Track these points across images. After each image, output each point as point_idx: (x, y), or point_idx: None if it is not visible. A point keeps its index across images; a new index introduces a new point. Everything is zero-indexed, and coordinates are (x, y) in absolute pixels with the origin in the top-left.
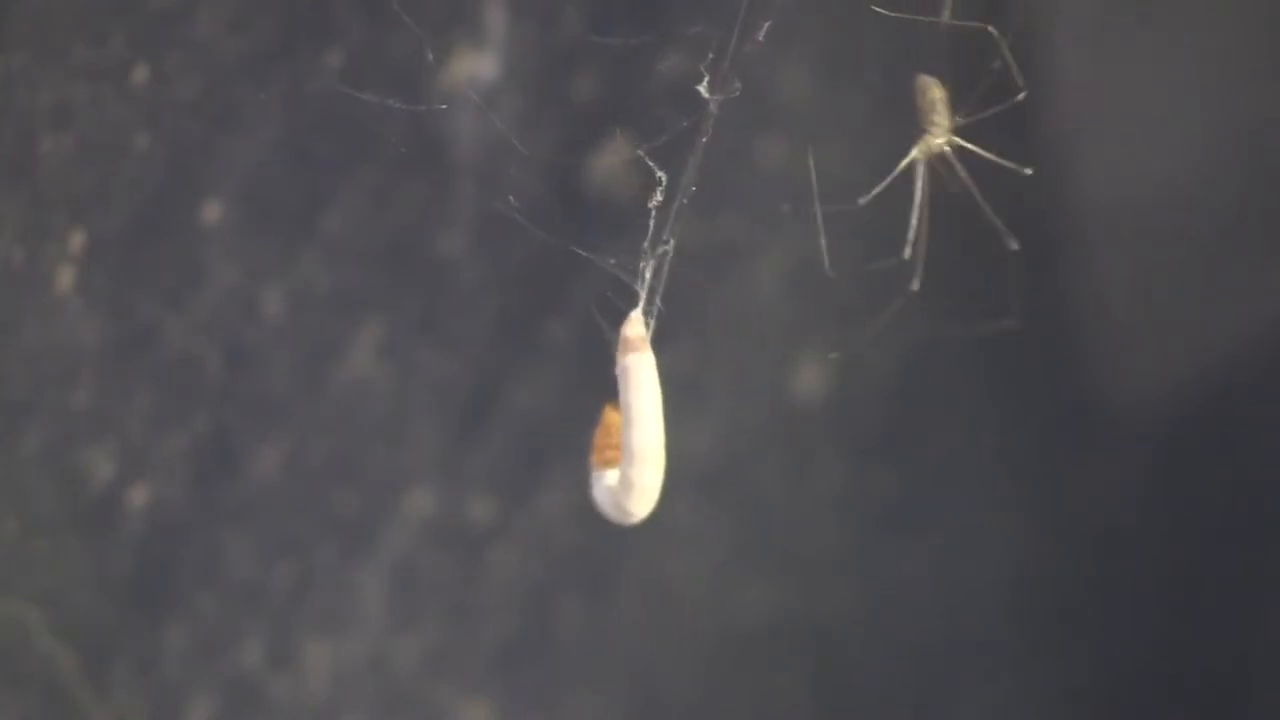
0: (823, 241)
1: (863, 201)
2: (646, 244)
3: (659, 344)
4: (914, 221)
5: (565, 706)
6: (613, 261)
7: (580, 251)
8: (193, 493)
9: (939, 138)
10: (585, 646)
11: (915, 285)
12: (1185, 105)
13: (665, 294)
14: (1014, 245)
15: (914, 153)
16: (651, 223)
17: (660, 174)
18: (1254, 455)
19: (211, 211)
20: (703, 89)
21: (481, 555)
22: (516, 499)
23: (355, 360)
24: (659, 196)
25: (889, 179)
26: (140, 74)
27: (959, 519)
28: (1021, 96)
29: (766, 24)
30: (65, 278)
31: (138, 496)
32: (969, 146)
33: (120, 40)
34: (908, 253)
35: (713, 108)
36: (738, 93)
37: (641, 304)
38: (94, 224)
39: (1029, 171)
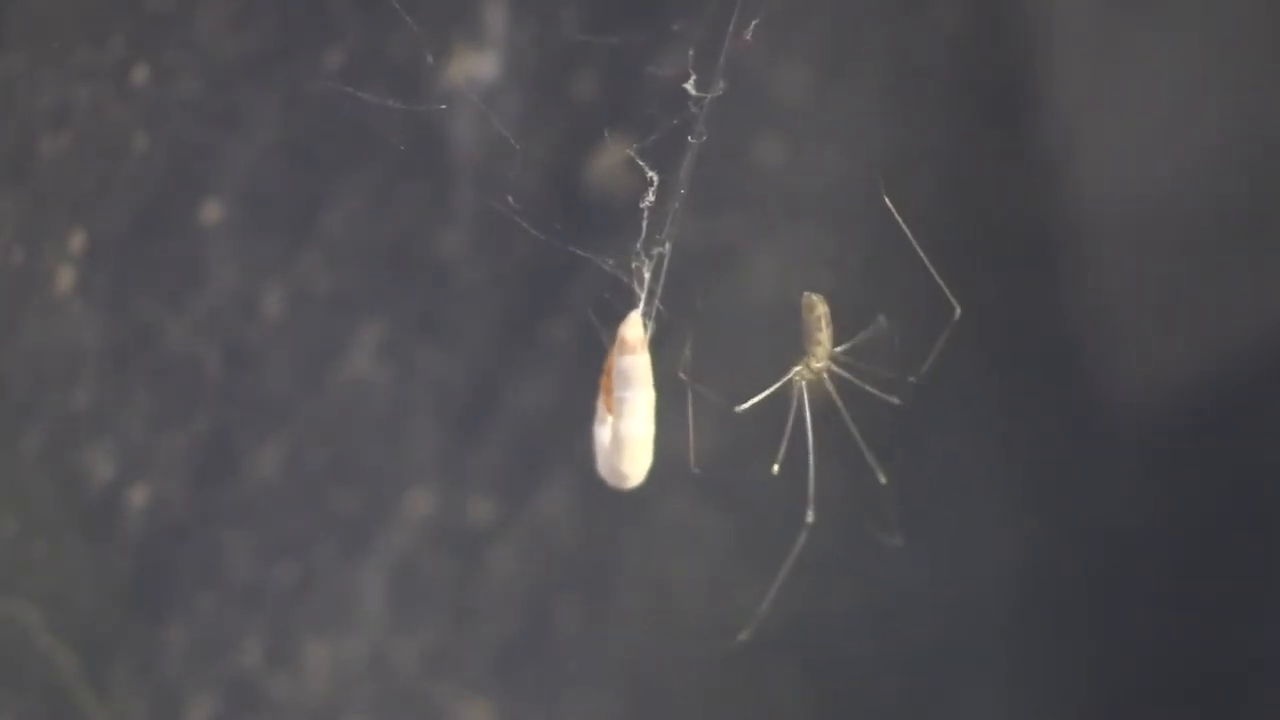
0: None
1: (740, 409)
2: (640, 245)
3: (659, 343)
4: (785, 442)
5: (565, 706)
6: (610, 262)
7: (579, 252)
8: (193, 493)
9: (819, 360)
10: (585, 646)
11: (809, 519)
12: (1185, 105)
13: (662, 294)
14: (882, 479)
15: (793, 373)
16: (644, 223)
17: (651, 174)
18: (1254, 455)
19: (211, 211)
20: (690, 87)
21: (481, 555)
22: (516, 499)
23: (355, 360)
24: (651, 196)
25: (769, 391)
26: (140, 74)
27: (959, 519)
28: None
29: (754, 22)
30: (65, 278)
31: (138, 496)
32: (844, 374)
33: (120, 40)
34: (775, 469)
35: (692, 106)
36: (721, 91)
37: (641, 305)
38: (94, 224)
39: (897, 402)
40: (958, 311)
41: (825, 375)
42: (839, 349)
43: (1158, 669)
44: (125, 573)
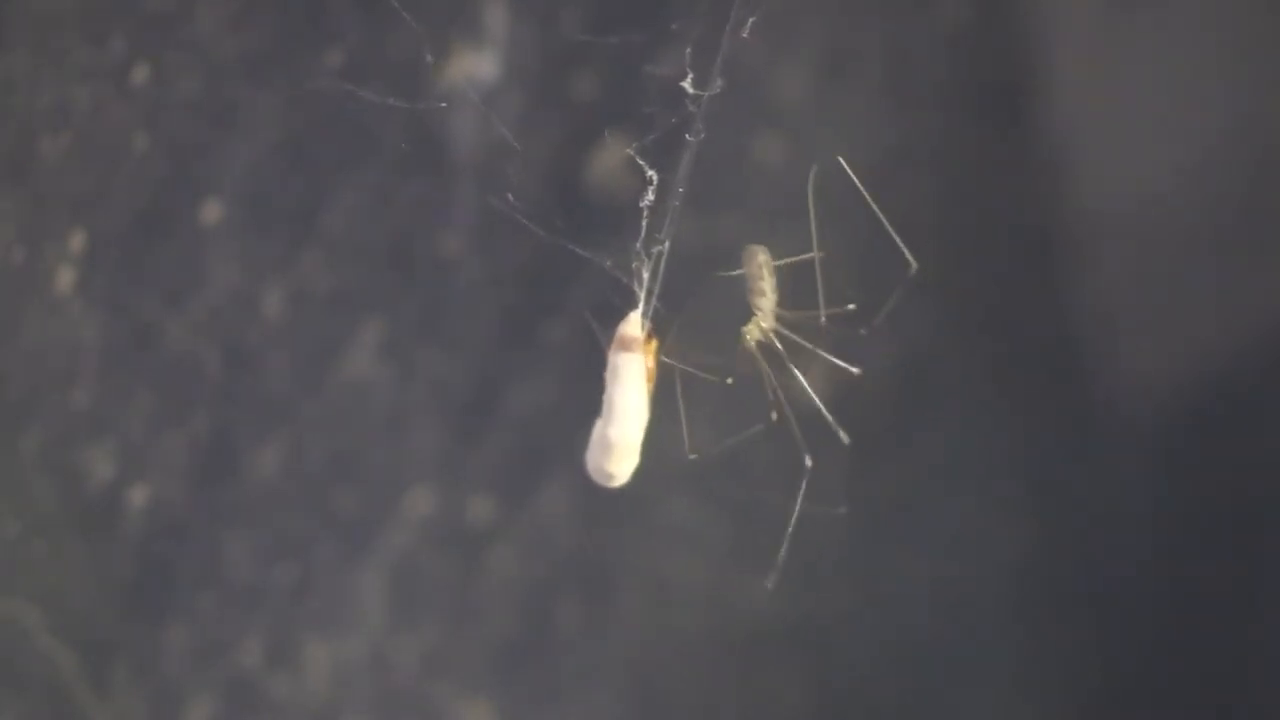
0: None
1: (728, 381)
2: (639, 244)
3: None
4: (770, 397)
5: (565, 706)
6: (609, 263)
7: (579, 251)
8: (193, 493)
9: (766, 321)
10: (585, 646)
11: (808, 464)
12: (1185, 105)
13: (661, 292)
14: (845, 439)
15: (744, 336)
16: (644, 222)
17: (651, 173)
18: (1254, 455)
19: (211, 211)
20: (687, 85)
21: (481, 555)
22: (516, 499)
23: (355, 360)
24: (650, 195)
25: (735, 361)
26: (140, 74)
27: (959, 519)
28: (851, 307)
29: (750, 20)
30: (65, 278)
31: (138, 496)
32: (793, 337)
33: (120, 40)
34: (774, 417)
35: (689, 105)
36: (719, 89)
37: (641, 305)
38: (94, 224)
39: (856, 371)
40: (913, 267)
41: (773, 336)
42: (794, 315)
43: (1157, 668)
44: (125, 573)
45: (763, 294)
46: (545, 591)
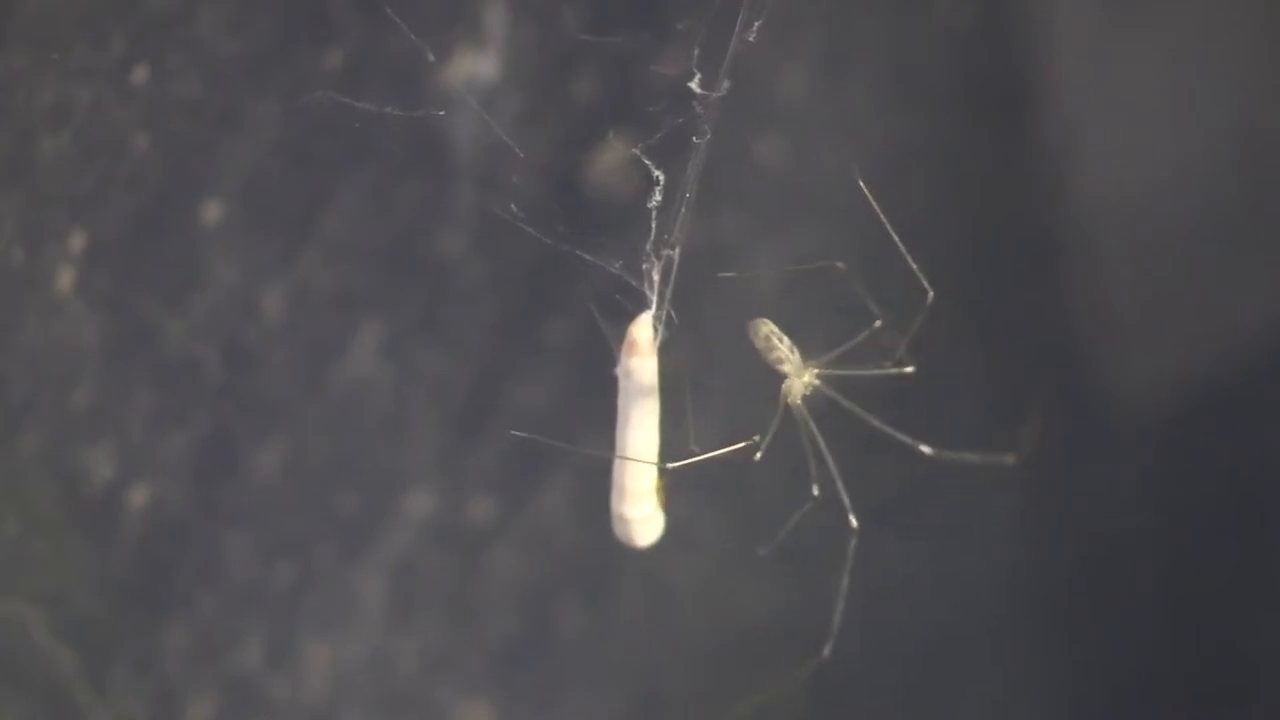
0: None
1: (758, 451)
2: (649, 245)
3: (667, 348)
4: (812, 464)
5: (565, 706)
6: (619, 264)
7: (585, 256)
8: (193, 493)
9: (800, 376)
10: (585, 646)
11: (854, 523)
12: (1184, 105)
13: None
14: (925, 450)
15: (783, 397)
16: (653, 223)
17: (658, 173)
18: (1253, 455)
19: (211, 211)
20: (694, 85)
21: (481, 555)
22: (516, 499)
23: (355, 360)
24: (658, 196)
25: (772, 431)
26: (140, 74)
27: (959, 519)
28: (878, 324)
29: (757, 23)
30: (65, 278)
31: (138, 496)
32: (836, 373)
33: (120, 40)
34: (815, 490)
35: (697, 106)
36: (725, 90)
37: (653, 308)
38: (94, 224)
39: (910, 370)
40: (930, 295)
41: (817, 382)
42: (826, 358)
43: (1157, 668)
44: (125, 573)
45: (782, 360)
46: (545, 591)
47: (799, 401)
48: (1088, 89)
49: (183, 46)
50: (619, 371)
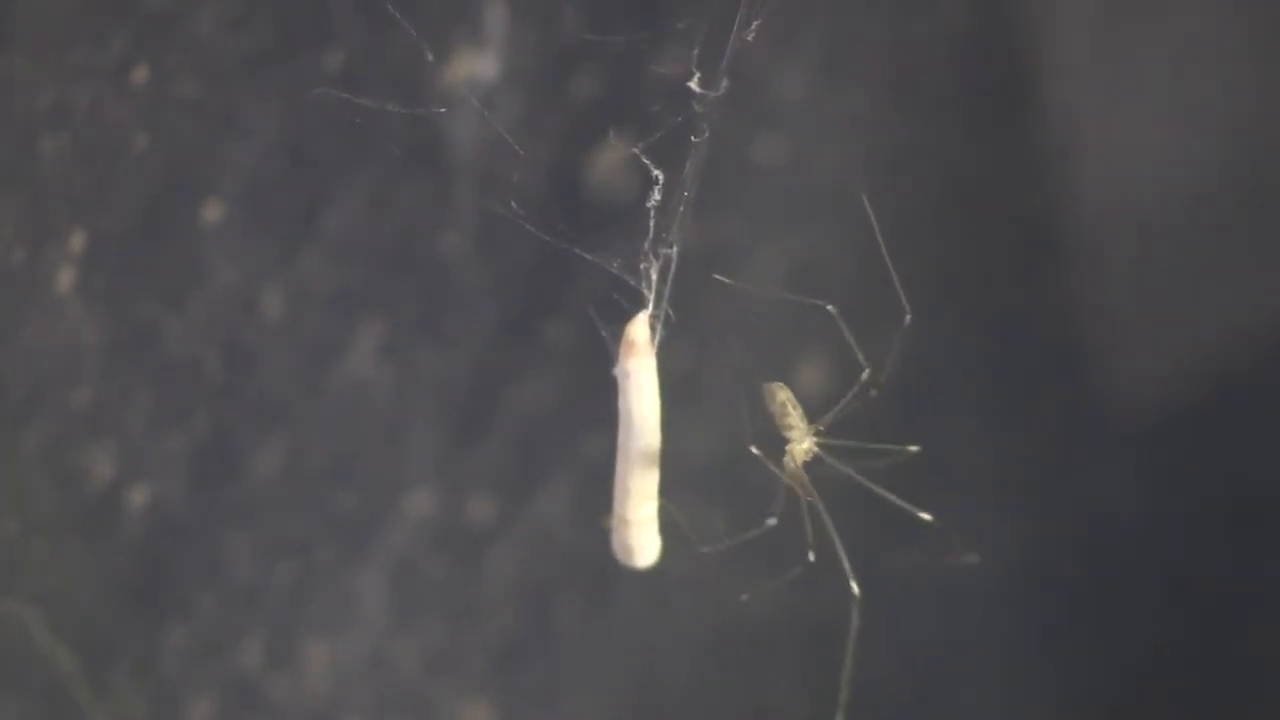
0: None
1: (769, 522)
2: (648, 245)
3: (666, 349)
4: (809, 529)
5: (565, 706)
6: (617, 263)
7: (585, 255)
8: (193, 493)
9: (802, 443)
10: (585, 646)
11: (855, 590)
12: (1184, 105)
13: (668, 296)
14: (926, 517)
15: (786, 463)
16: (652, 223)
17: (657, 173)
18: (1253, 455)
19: (211, 211)
20: (694, 85)
21: (481, 555)
22: (516, 499)
23: (355, 360)
24: (657, 195)
25: (778, 498)
26: (140, 74)
27: (959, 519)
28: (866, 375)
29: (756, 23)
30: (65, 278)
31: (138, 496)
32: (837, 443)
33: (120, 40)
34: (811, 556)
35: (696, 105)
36: (724, 89)
37: (650, 308)
38: (94, 224)
39: (914, 449)
40: (908, 317)
41: (816, 450)
42: (827, 419)
43: (1157, 668)
44: (125, 573)
45: (791, 428)
46: (545, 591)
47: (799, 465)
48: (1088, 89)
49: (183, 46)
50: (617, 373)
